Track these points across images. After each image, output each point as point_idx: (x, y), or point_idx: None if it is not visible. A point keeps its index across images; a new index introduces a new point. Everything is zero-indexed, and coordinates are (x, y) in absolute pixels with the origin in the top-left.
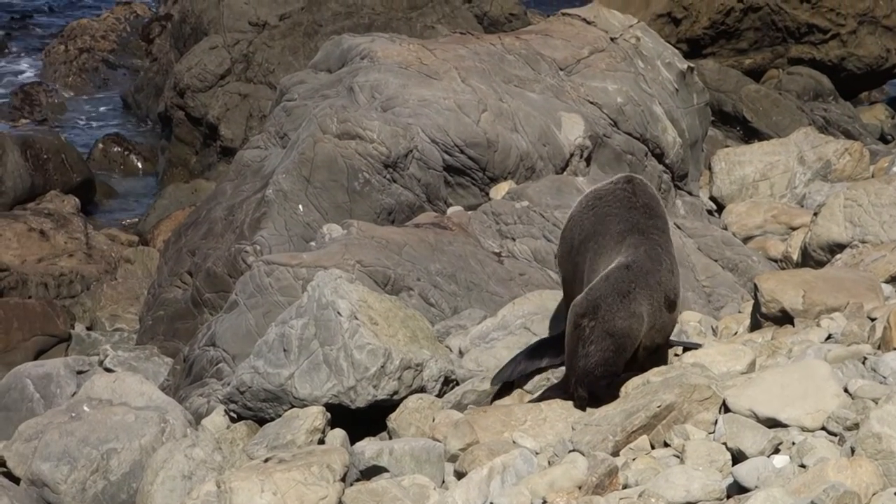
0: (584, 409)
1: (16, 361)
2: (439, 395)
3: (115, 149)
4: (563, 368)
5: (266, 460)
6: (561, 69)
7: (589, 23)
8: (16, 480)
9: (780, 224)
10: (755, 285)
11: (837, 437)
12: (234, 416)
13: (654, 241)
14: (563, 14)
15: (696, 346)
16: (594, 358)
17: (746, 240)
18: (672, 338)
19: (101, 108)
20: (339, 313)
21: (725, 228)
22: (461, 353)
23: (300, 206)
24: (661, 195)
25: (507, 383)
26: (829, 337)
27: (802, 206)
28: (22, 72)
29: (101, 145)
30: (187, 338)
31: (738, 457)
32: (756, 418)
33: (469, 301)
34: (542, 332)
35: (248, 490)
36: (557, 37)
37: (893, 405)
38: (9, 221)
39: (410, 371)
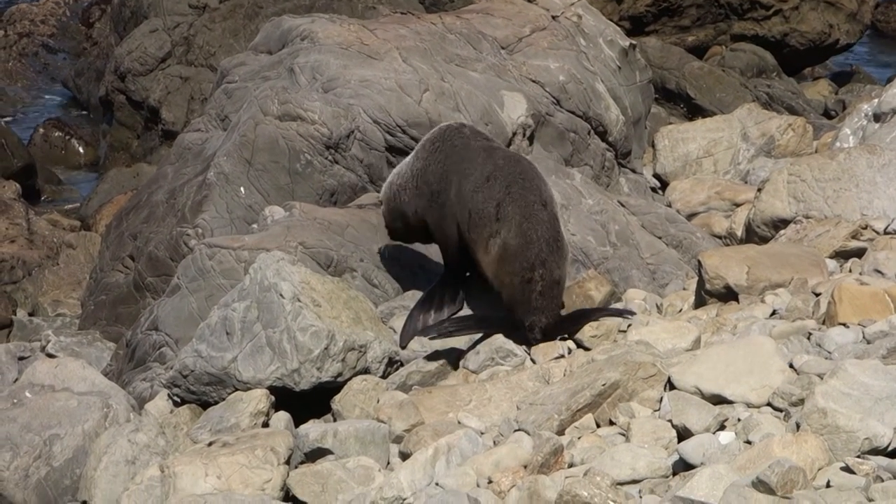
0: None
1: None
2: (384, 377)
3: (56, 134)
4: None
5: (210, 444)
6: (502, 48)
7: (530, 1)
8: None
9: (723, 200)
10: (699, 262)
11: (783, 413)
12: (178, 400)
13: (518, 161)
14: None
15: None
16: (550, 309)
17: (690, 217)
18: None
19: (42, 94)
20: (281, 295)
21: (669, 205)
22: None
23: (242, 189)
24: (605, 173)
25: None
26: (773, 313)
27: (746, 183)
28: None
29: (41, 130)
30: (130, 322)
31: (683, 434)
32: (701, 395)
33: (413, 282)
34: (484, 310)
35: (191, 474)
36: (498, 15)
37: (838, 380)
38: None
39: (354, 353)
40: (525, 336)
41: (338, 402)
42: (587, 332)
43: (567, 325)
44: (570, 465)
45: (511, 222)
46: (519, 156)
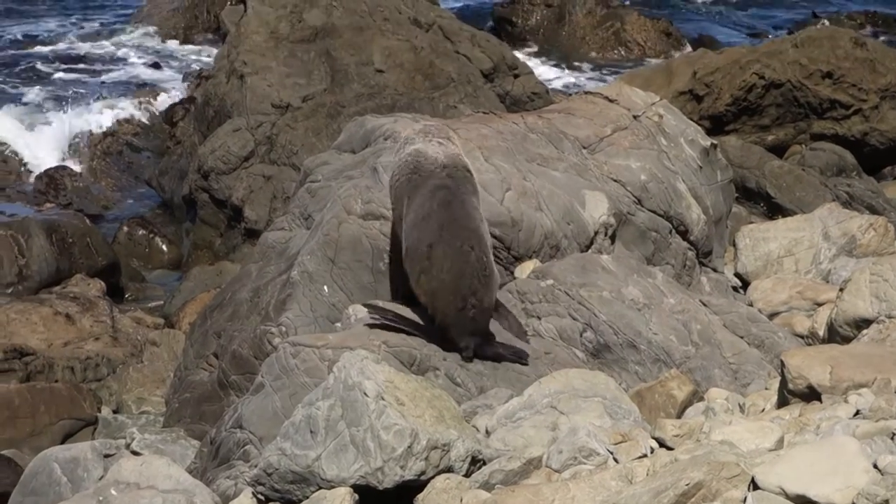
0: (471, 360)
1: (43, 445)
2: (467, 475)
3: (140, 232)
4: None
5: None
6: (584, 147)
7: (611, 101)
8: None
9: (805, 300)
10: (782, 362)
11: None
12: (262, 498)
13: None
14: (586, 93)
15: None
16: (481, 331)
17: (772, 316)
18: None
19: (126, 192)
20: (365, 394)
21: (751, 305)
22: (488, 433)
23: (325, 288)
24: (686, 272)
25: None
26: (857, 413)
27: (828, 282)
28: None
29: (125, 228)
30: (214, 420)
31: None
32: (785, 495)
33: (495, 380)
34: (570, 409)
35: None
36: (580, 115)
37: None
38: (35, 305)
39: (438, 451)
40: (458, 353)
41: (421, 500)
42: (669, 430)
43: (492, 351)
44: None
45: (443, 262)
46: (454, 197)
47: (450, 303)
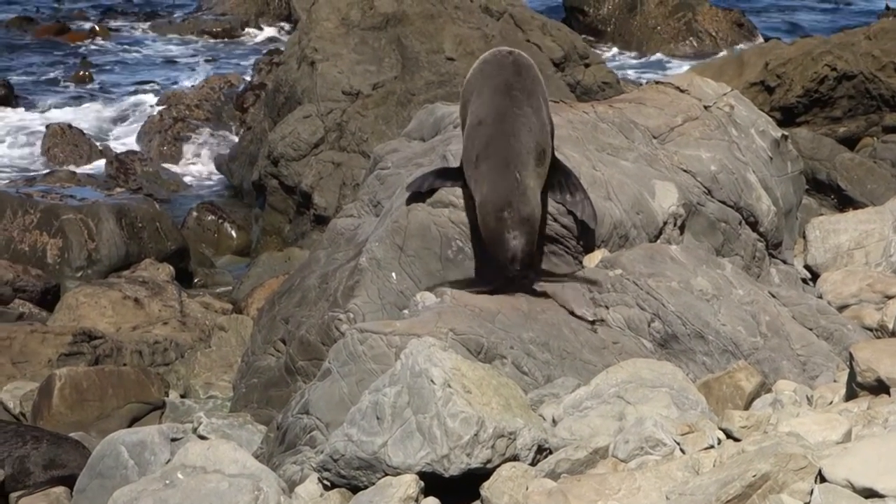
0: (528, 288)
1: (110, 429)
2: (533, 464)
3: (209, 217)
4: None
5: None
6: (654, 137)
7: (682, 91)
8: None
9: (875, 293)
10: (850, 354)
11: None
12: (328, 484)
13: (516, 101)
14: (657, 83)
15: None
16: (522, 239)
17: (841, 308)
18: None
19: (195, 177)
20: (432, 381)
21: (820, 297)
22: (554, 422)
23: (393, 275)
24: (756, 264)
25: None
26: None
27: None
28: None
29: (195, 213)
30: (281, 405)
31: None
32: (852, 488)
33: (562, 369)
34: (637, 400)
35: None
36: (651, 105)
37: None
38: (104, 289)
39: (504, 439)
40: (507, 271)
41: (487, 488)
42: (736, 422)
43: (543, 272)
44: None
45: (484, 175)
46: (509, 110)
47: (489, 212)
